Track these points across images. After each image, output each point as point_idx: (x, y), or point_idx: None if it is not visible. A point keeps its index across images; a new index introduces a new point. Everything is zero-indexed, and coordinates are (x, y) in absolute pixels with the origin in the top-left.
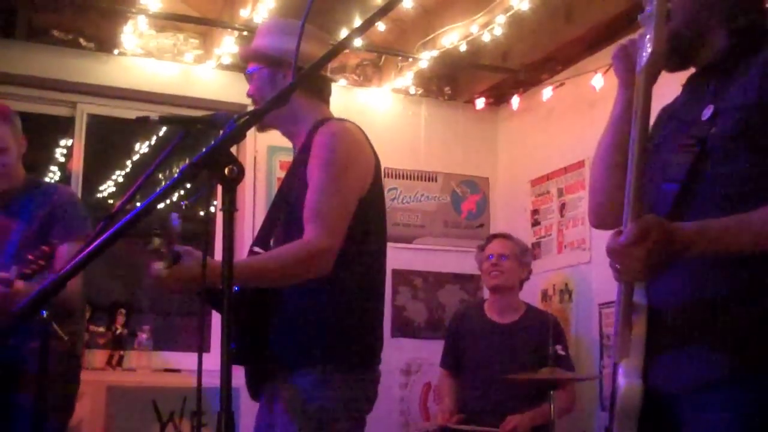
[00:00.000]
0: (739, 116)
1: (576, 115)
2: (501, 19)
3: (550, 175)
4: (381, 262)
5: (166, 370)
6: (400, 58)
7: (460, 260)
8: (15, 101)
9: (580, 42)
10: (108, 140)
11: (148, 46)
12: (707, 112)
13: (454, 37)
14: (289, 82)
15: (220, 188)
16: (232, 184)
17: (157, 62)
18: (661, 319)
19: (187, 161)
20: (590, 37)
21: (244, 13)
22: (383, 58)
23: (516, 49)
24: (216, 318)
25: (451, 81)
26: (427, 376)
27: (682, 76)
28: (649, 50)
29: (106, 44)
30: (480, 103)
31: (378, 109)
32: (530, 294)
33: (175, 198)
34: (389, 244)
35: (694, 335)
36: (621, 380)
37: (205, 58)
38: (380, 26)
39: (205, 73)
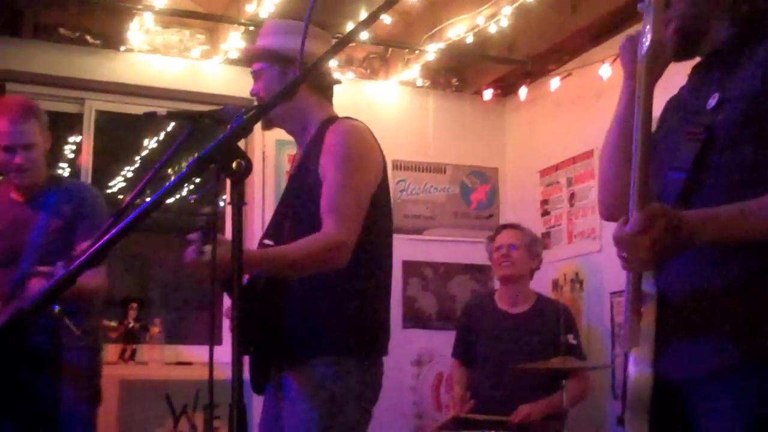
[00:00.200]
0: (744, 105)
1: (584, 105)
2: (507, 10)
3: (559, 165)
4: (389, 255)
5: (179, 364)
6: (406, 50)
7: (470, 251)
8: None
9: (586, 32)
10: (116, 136)
11: (155, 42)
12: (713, 101)
13: (460, 29)
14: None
15: (228, 182)
16: (240, 178)
17: (164, 58)
18: (670, 308)
19: (195, 156)
20: (597, 27)
21: (249, 8)
22: (390, 50)
23: (523, 40)
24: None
25: (458, 73)
26: (438, 366)
27: (688, 66)
28: (649, 39)
29: (112, 41)
30: (487, 94)
31: (386, 102)
32: (541, 284)
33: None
34: (399, 236)
35: (704, 323)
36: (631, 369)
37: (211, 53)
38: (386, 19)
39: (212, 69)
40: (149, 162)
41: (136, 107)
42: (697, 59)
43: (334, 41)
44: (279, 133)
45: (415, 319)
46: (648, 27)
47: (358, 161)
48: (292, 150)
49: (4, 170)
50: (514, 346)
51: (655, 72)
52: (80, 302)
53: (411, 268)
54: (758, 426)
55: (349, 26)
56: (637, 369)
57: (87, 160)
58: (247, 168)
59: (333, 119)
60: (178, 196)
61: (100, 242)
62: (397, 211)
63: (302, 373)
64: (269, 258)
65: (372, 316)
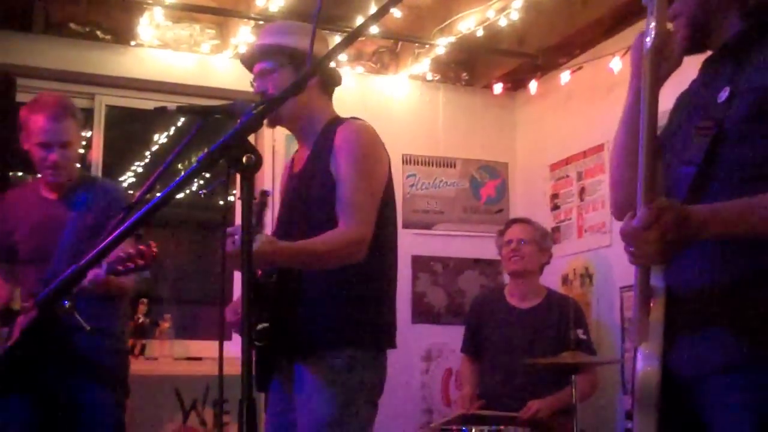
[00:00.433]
0: (755, 98)
1: (594, 99)
2: (517, 3)
3: (569, 159)
4: (396, 249)
5: (188, 359)
6: (416, 44)
7: (480, 245)
8: (33, 94)
9: (597, 25)
10: (127, 131)
11: (165, 37)
12: (723, 95)
13: (470, 22)
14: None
15: (238, 177)
16: (250, 172)
17: (174, 53)
18: (679, 303)
19: (205, 151)
20: (607, 20)
21: (259, 2)
22: (400, 44)
23: (533, 33)
24: None
25: (468, 67)
26: (448, 361)
27: (699, 61)
28: (653, 33)
29: (122, 36)
30: (498, 88)
31: (395, 96)
32: (551, 278)
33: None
34: (409, 231)
35: (713, 318)
36: (640, 364)
37: (221, 48)
38: (396, 13)
39: (222, 63)
40: (160, 157)
41: (147, 102)
42: (708, 53)
43: (343, 36)
44: None
45: (424, 314)
46: (652, 22)
47: (371, 160)
48: None
49: (39, 167)
50: (523, 341)
51: (659, 66)
52: (110, 300)
53: (420, 262)
54: (767, 422)
55: (359, 20)
56: (646, 364)
57: (97, 155)
58: (257, 162)
59: (339, 119)
60: (188, 191)
61: (110, 237)
62: (407, 205)
63: (318, 365)
64: (296, 251)
65: (384, 310)
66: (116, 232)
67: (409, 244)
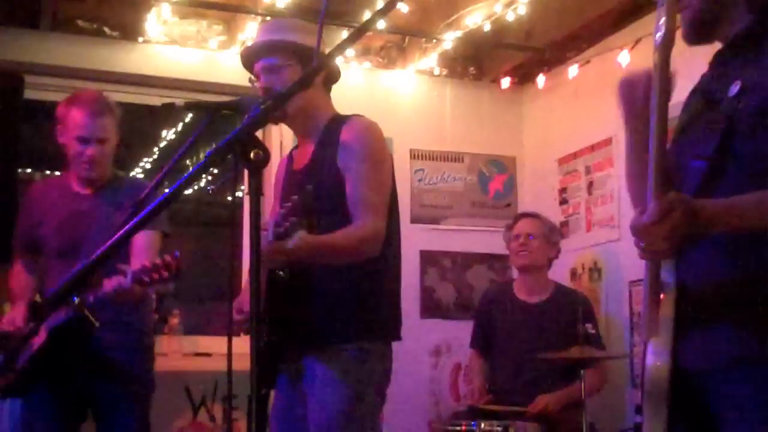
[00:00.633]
0: (766, 92)
1: (602, 93)
2: None
3: (578, 153)
4: (400, 244)
5: (198, 355)
6: (424, 39)
7: (488, 240)
8: (41, 91)
9: (605, 19)
10: (134, 127)
11: (172, 33)
12: (734, 88)
13: (477, 16)
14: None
15: (246, 172)
16: (258, 168)
17: (182, 49)
18: (689, 297)
19: (213, 147)
20: (615, 13)
21: None
22: (407, 39)
23: (540, 27)
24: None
25: (475, 61)
26: (457, 356)
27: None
28: (664, 28)
29: (130, 32)
30: (505, 82)
31: (403, 91)
32: (559, 273)
33: (202, 183)
34: (417, 226)
35: (723, 313)
36: (650, 358)
37: (229, 44)
38: (403, 8)
39: (230, 59)
40: (167, 153)
41: (154, 98)
42: (716, 45)
43: (350, 31)
44: None
45: (433, 309)
46: (663, 16)
47: (380, 156)
48: None
49: (74, 161)
50: (532, 336)
51: (669, 62)
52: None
53: (429, 257)
54: None
55: (366, 15)
56: (656, 358)
57: None
58: (265, 158)
59: (341, 115)
60: (196, 187)
61: (120, 233)
62: (415, 200)
63: (331, 357)
64: (318, 245)
65: (392, 303)
66: (126, 228)
67: (418, 239)
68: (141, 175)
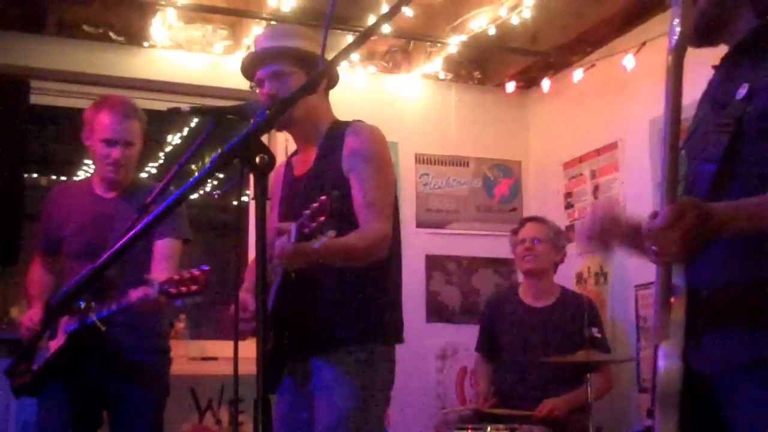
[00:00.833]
0: None
1: (607, 97)
2: (530, 1)
3: (583, 158)
4: (400, 248)
5: (204, 359)
6: (428, 43)
7: (494, 244)
8: (47, 96)
9: (609, 23)
10: None
11: (178, 38)
12: (742, 91)
13: (482, 20)
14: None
15: (252, 177)
16: (263, 173)
17: (187, 54)
18: (700, 301)
19: (218, 151)
20: (620, 17)
21: (272, 2)
22: (412, 44)
23: (545, 31)
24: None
25: (480, 65)
26: (462, 360)
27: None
28: (678, 31)
29: (135, 37)
30: (510, 86)
31: (408, 95)
32: (565, 277)
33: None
34: (422, 230)
35: (734, 315)
36: (661, 362)
37: (234, 48)
38: (408, 12)
39: (235, 64)
40: (173, 158)
41: (160, 103)
42: (722, 48)
43: (355, 35)
44: None
45: (438, 313)
46: (676, 19)
47: (385, 160)
48: None
49: (99, 164)
50: (538, 340)
51: (682, 65)
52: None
53: (434, 262)
54: None
55: (371, 19)
56: (667, 362)
57: None
58: (270, 162)
59: (342, 121)
60: (202, 192)
61: (126, 237)
62: (420, 204)
63: (339, 359)
64: (336, 248)
65: (396, 306)
66: (131, 233)
67: (423, 243)
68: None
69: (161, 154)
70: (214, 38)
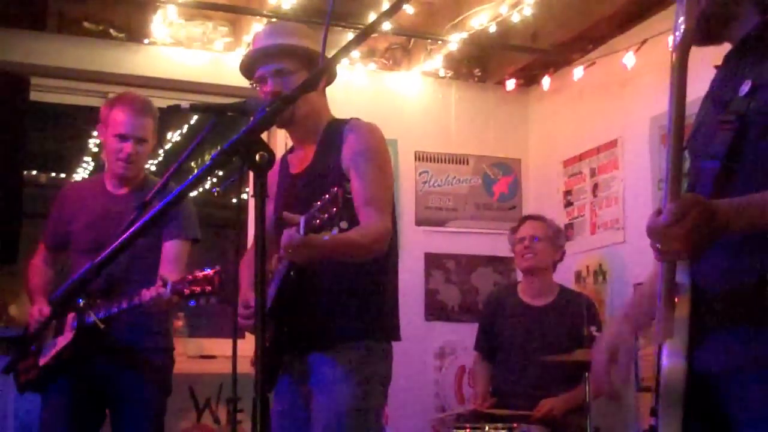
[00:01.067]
0: None
1: (608, 94)
2: None
3: (583, 156)
4: (397, 245)
5: (202, 357)
6: (429, 40)
7: (493, 243)
8: (47, 93)
9: (610, 20)
10: None
11: (178, 35)
12: (745, 88)
13: (483, 18)
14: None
15: (251, 174)
16: (263, 170)
17: (187, 51)
18: (704, 299)
19: (218, 149)
20: (620, 15)
21: None
22: (412, 41)
23: (546, 29)
24: None
25: (481, 63)
26: (461, 359)
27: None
28: (682, 28)
29: (136, 34)
30: (510, 84)
31: (408, 92)
32: (564, 275)
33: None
34: (422, 228)
35: (739, 314)
36: (665, 361)
37: (234, 45)
38: (409, 9)
39: (235, 61)
40: (173, 155)
41: (160, 100)
42: (726, 46)
43: (355, 33)
44: None
45: (437, 311)
46: (681, 17)
47: (384, 157)
48: None
49: (111, 159)
50: (536, 339)
51: (687, 63)
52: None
53: (433, 260)
54: None
55: (372, 16)
56: (671, 360)
57: None
58: (270, 160)
59: (340, 119)
60: (201, 189)
61: (124, 236)
62: (420, 202)
63: (339, 355)
64: (341, 242)
65: (393, 302)
66: (130, 230)
67: (422, 241)
68: None
69: (161, 151)
70: (215, 35)
